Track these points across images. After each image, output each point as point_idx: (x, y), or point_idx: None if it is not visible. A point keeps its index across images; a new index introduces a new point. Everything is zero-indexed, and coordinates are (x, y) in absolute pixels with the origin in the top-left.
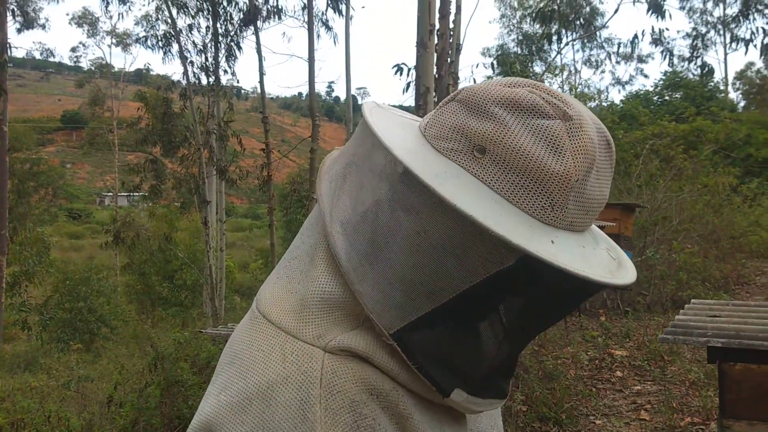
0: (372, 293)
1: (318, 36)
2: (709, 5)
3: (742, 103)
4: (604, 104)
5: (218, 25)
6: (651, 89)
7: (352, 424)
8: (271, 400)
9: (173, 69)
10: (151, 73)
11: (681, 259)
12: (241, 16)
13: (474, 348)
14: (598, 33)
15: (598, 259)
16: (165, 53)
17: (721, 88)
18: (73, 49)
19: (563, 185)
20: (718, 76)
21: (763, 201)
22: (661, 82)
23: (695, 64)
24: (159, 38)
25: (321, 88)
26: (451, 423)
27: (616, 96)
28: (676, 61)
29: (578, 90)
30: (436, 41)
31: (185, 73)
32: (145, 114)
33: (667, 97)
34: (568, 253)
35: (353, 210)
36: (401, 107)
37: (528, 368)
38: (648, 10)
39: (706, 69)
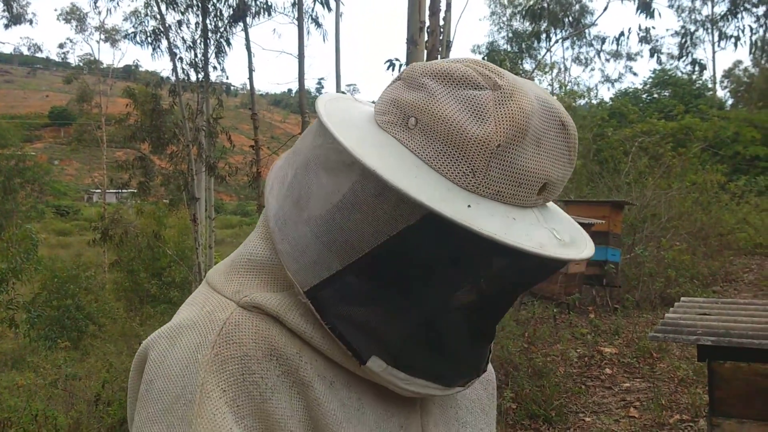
0: (290, 251)
1: (308, 32)
2: (698, 3)
3: (729, 101)
4: (594, 102)
5: (208, 22)
6: (640, 87)
7: (239, 376)
8: (176, 339)
9: (162, 65)
10: (140, 69)
11: (669, 256)
12: (231, 12)
13: (390, 313)
14: (587, 31)
15: (528, 230)
16: (154, 49)
17: (709, 86)
18: (61, 45)
19: (482, 150)
20: (706, 74)
21: (750, 198)
22: (650, 80)
23: (685, 61)
24: (148, 34)
25: (311, 84)
26: (376, 408)
27: (606, 94)
28: (665, 59)
29: (568, 87)
30: (426, 38)
31: (174, 69)
32: (134, 110)
33: (655, 95)
34: (486, 218)
35: (291, 177)
36: None
37: (518, 365)
38: (637, 10)
39: (697, 65)
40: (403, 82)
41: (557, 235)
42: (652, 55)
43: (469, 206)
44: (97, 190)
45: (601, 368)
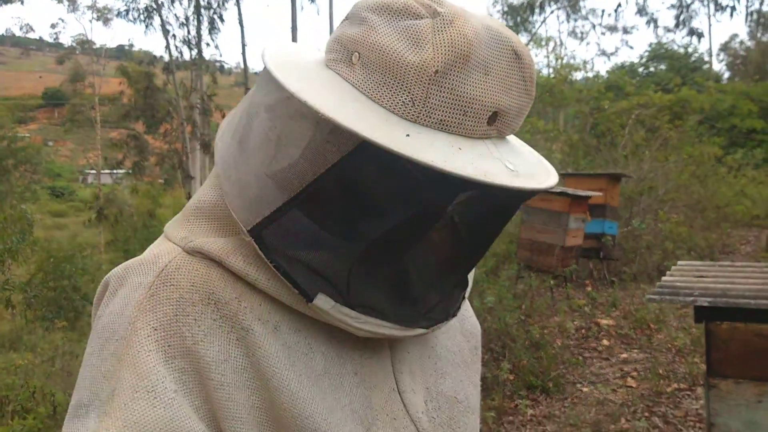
0: (234, 191)
1: (302, 8)
2: None
3: (726, 75)
4: (590, 74)
5: None
6: (636, 61)
7: (172, 317)
8: (123, 280)
9: (155, 46)
10: (134, 49)
11: (667, 228)
12: None
13: (334, 248)
14: (582, 3)
15: (474, 160)
16: (147, 27)
17: (706, 59)
18: (53, 25)
19: (420, 77)
20: (702, 47)
21: (747, 171)
22: (647, 54)
23: (681, 30)
24: (140, 11)
25: None
26: (327, 353)
27: (602, 67)
28: (661, 32)
29: (564, 60)
30: None
31: (167, 46)
32: (128, 88)
33: (652, 69)
34: (425, 146)
35: (237, 120)
36: None
37: (515, 337)
38: None
39: (695, 34)
40: (348, 19)
41: (509, 166)
42: (648, 24)
43: (407, 135)
44: (92, 171)
45: (598, 340)
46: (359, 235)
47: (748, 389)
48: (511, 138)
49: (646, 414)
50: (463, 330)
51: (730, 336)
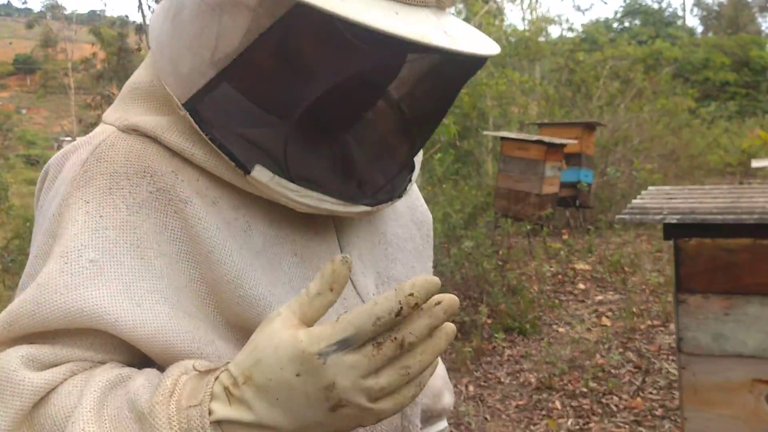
0: (167, 66)
1: None
2: None
3: (700, 29)
4: (565, 27)
5: None
6: (611, 17)
7: (105, 190)
8: (61, 166)
9: (128, 10)
10: (106, 15)
11: (641, 177)
12: None
13: (269, 118)
14: None
15: (411, 23)
16: None
17: (680, 14)
18: None
19: None
20: (676, 2)
21: (720, 123)
22: (621, 9)
23: None
24: None
25: None
26: (266, 232)
27: (576, 22)
28: None
29: (539, 14)
30: None
31: (140, 6)
32: (100, 50)
33: (626, 24)
34: (359, 7)
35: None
36: None
37: (492, 283)
38: None
39: None
40: None
41: (449, 32)
42: None
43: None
44: (67, 138)
45: (574, 284)
46: (295, 104)
47: (716, 303)
48: (452, 17)
49: (620, 349)
50: (414, 218)
51: (697, 252)
